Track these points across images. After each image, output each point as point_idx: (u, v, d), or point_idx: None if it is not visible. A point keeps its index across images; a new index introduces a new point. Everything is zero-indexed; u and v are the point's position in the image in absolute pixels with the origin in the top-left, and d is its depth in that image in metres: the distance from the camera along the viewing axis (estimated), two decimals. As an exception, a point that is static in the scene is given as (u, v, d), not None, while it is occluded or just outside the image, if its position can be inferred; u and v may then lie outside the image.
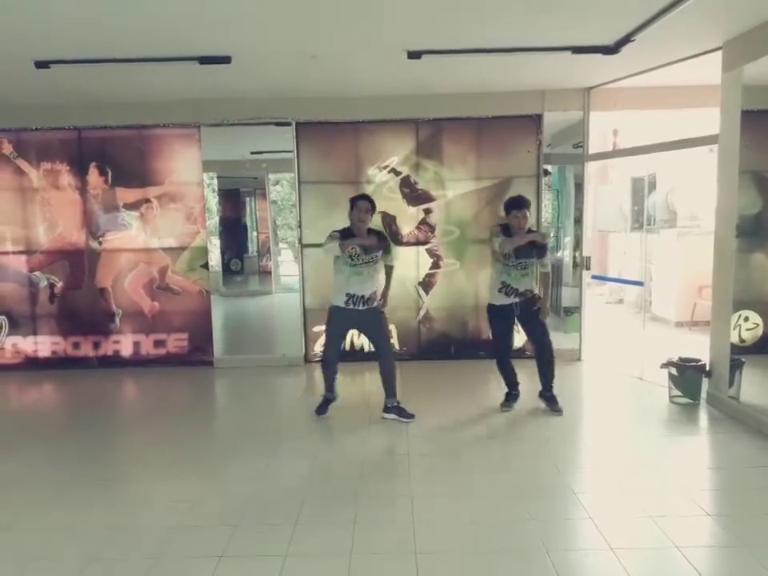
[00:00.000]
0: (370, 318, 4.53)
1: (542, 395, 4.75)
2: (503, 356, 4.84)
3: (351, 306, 4.44)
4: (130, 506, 3.37)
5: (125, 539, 3.02)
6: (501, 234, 4.51)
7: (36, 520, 3.24)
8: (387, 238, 4.75)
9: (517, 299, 4.59)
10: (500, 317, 4.72)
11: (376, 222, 6.08)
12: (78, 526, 3.16)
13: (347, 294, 4.43)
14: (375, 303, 4.53)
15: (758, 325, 4.82)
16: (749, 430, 4.19)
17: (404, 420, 4.51)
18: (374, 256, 4.46)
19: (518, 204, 4.49)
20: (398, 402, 4.60)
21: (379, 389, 4.63)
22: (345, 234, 4.41)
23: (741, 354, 4.58)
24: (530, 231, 4.55)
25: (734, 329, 4.60)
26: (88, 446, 4.29)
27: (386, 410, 4.59)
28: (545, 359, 4.70)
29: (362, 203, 4.44)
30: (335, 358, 4.74)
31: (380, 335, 4.65)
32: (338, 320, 4.57)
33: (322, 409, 4.72)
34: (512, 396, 4.81)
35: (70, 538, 3.04)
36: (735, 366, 4.54)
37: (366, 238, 4.40)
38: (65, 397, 5.77)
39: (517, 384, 4.84)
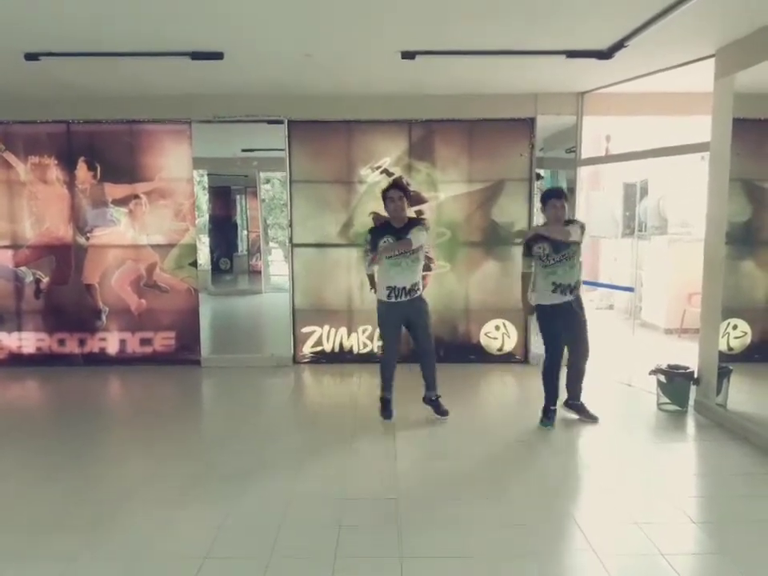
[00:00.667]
0: (415, 308, 4.48)
1: (568, 404, 4.59)
2: (556, 362, 4.44)
3: (394, 299, 4.41)
4: (114, 503, 3.32)
5: (108, 536, 2.98)
6: (531, 244, 4.37)
7: (17, 518, 3.19)
8: (422, 221, 4.73)
9: (572, 296, 4.34)
10: (554, 316, 4.39)
11: (367, 222, 6.09)
12: (59, 523, 3.11)
13: (388, 287, 4.42)
14: (418, 294, 4.48)
15: (746, 333, 4.83)
16: (735, 437, 4.19)
17: (437, 417, 4.51)
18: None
19: (556, 193, 4.38)
20: (437, 397, 4.57)
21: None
22: (383, 228, 4.45)
23: (729, 362, 4.58)
24: (567, 222, 4.36)
25: (722, 336, 4.61)
26: (70, 443, 4.22)
27: (424, 400, 4.60)
28: (581, 368, 4.50)
29: (392, 192, 4.42)
30: (394, 355, 4.61)
31: (422, 327, 4.53)
32: (386, 314, 4.53)
33: (386, 412, 4.59)
34: (552, 412, 4.46)
35: (51, 536, 3.00)
36: (723, 374, 4.55)
37: (396, 244, 4.35)
38: (48, 394, 5.69)
39: (557, 398, 4.50)
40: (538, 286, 4.43)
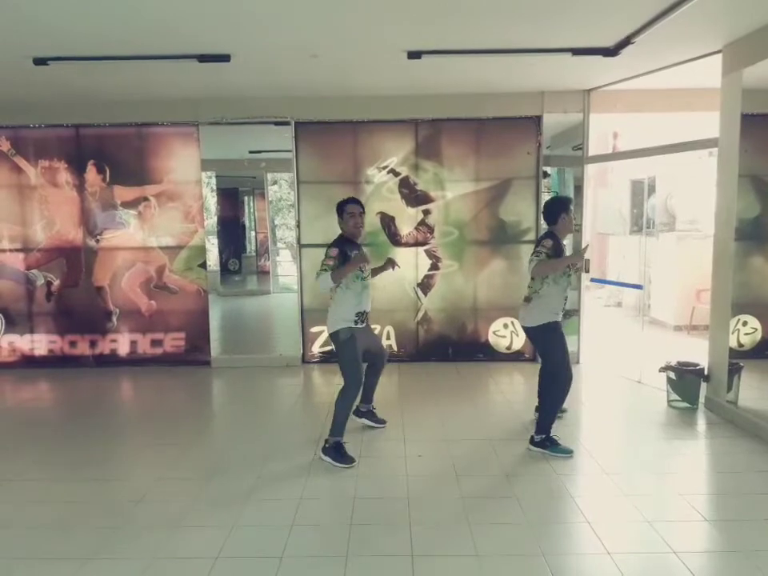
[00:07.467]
0: (369, 334, 4.19)
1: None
2: (571, 375, 4.05)
3: (360, 325, 3.96)
4: (126, 505, 3.34)
5: (121, 538, 3.00)
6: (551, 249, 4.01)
7: (30, 518, 3.22)
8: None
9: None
10: (562, 332, 4.06)
11: (374, 222, 6.11)
12: (73, 525, 3.14)
13: (358, 314, 3.92)
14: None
15: (756, 329, 4.81)
16: (746, 434, 4.18)
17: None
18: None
19: (569, 203, 4.15)
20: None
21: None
22: (343, 244, 3.86)
23: (739, 359, 4.56)
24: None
25: (732, 333, 4.59)
26: (83, 444, 4.26)
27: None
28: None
29: (353, 206, 3.96)
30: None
31: (376, 345, 4.31)
32: (356, 344, 3.93)
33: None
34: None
35: (65, 537, 3.02)
36: (734, 371, 4.53)
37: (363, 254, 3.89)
38: (61, 395, 5.73)
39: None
40: (553, 304, 4.00)
